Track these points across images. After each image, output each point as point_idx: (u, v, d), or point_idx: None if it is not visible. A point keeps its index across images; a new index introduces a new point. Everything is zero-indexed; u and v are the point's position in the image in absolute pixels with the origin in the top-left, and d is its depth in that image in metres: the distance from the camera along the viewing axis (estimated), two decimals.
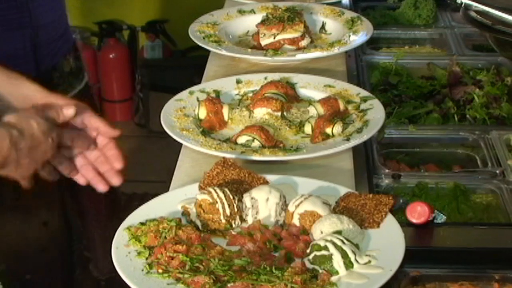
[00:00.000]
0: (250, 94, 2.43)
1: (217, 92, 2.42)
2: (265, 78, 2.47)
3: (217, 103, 2.29)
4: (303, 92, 2.44)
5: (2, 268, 2.47)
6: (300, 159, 2.08)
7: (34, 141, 1.79)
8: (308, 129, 2.20)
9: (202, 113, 2.27)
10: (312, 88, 2.44)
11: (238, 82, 2.48)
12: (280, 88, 2.36)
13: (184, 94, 2.37)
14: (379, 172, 2.28)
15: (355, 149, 2.18)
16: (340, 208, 1.85)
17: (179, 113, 2.27)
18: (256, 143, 2.12)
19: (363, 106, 2.30)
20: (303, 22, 2.75)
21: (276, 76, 2.48)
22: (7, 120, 1.78)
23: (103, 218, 2.74)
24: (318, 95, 2.39)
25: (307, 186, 1.93)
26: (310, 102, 2.35)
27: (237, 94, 2.45)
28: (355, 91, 2.39)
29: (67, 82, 2.42)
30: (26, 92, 1.92)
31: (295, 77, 2.48)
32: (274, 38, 2.71)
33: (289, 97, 2.36)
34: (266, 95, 2.33)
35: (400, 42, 3.30)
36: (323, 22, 2.94)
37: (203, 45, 2.73)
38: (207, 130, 2.22)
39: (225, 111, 2.27)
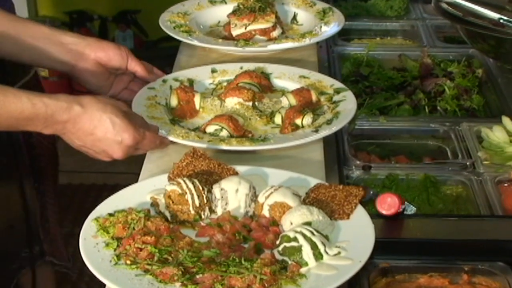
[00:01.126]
0: (225, 84, 2.42)
1: (191, 81, 2.40)
2: (241, 68, 2.46)
3: (189, 91, 2.27)
4: (278, 82, 2.43)
5: None
6: (266, 149, 2.07)
7: (99, 127, 1.88)
8: (278, 119, 2.19)
9: (174, 101, 2.26)
10: (286, 79, 2.44)
11: (213, 71, 2.47)
12: (254, 78, 2.35)
13: (157, 82, 2.35)
14: (349, 164, 2.28)
15: (325, 140, 2.17)
16: (310, 199, 1.84)
17: (150, 101, 2.25)
18: (224, 133, 2.11)
19: (335, 97, 2.29)
20: (274, 12, 2.74)
21: (251, 66, 2.47)
22: (82, 96, 1.88)
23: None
24: (292, 85, 2.38)
25: (277, 177, 1.93)
26: (283, 92, 2.35)
27: (211, 84, 2.43)
28: (329, 83, 2.39)
29: (20, 69, 2.39)
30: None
31: (270, 67, 2.47)
32: (245, 28, 2.69)
33: (262, 87, 2.35)
34: (239, 85, 2.32)
35: (371, 33, 3.30)
36: (294, 13, 2.93)
37: (173, 35, 2.71)
38: (178, 118, 2.21)
39: (197, 100, 2.26)
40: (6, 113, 1.79)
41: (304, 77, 2.44)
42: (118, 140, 1.88)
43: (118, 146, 1.90)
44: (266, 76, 2.43)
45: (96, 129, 1.86)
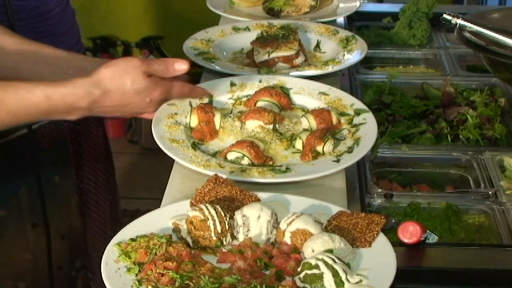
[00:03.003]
0: (244, 99, 2.43)
1: (211, 96, 2.40)
2: (260, 81, 2.47)
3: (209, 111, 2.27)
4: (297, 98, 2.43)
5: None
6: (288, 182, 2.07)
7: (124, 99, 1.89)
8: (299, 145, 2.20)
9: (194, 121, 2.26)
10: (306, 95, 2.44)
11: (232, 85, 2.48)
12: (274, 96, 2.36)
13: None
14: (371, 191, 2.28)
15: (347, 167, 2.17)
16: (331, 226, 1.85)
17: (170, 120, 2.25)
18: (245, 160, 2.11)
19: (356, 120, 2.29)
20: (297, 40, 2.76)
21: (270, 79, 2.48)
22: (99, 75, 1.88)
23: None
24: (312, 103, 2.39)
25: (299, 204, 1.93)
26: (303, 110, 2.35)
27: (230, 98, 2.44)
28: (349, 102, 2.39)
29: None
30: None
31: (290, 82, 2.48)
32: (269, 55, 2.71)
33: (282, 104, 2.36)
34: (258, 105, 2.33)
35: (394, 61, 3.31)
36: (317, 41, 2.95)
37: (196, 62, 2.73)
38: (197, 141, 2.22)
39: (217, 120, 2.27)
40: (23, 110, 1.79)
41: (324, 93, 2.44)
42: (147, 102, 1.97)
43: (149, 105, 1.98)
44: (286, 91, 2.43)
45: (123, 102, 1.91)
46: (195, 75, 2.97)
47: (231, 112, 2.37)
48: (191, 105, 2.31)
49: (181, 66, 2.02)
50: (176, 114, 2.29)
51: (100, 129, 2.79)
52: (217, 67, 2.69)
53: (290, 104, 2.41)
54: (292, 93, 2.45)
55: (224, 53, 2.87)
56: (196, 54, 2.78)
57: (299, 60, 2.74)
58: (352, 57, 2.78)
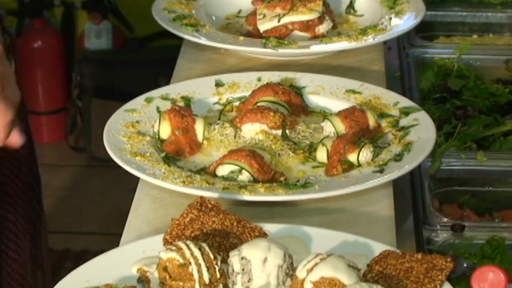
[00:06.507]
0: (236, 103, 2.44)
1: (187, 100, 2.42)
2: (259, 80, 2.48)
3: (187, 115, 2.28)
4: (314, 100, 2.45)
5: None
6: (311, 199, 2.08)
7: None
8: (321, 155, 2.21)
9: (165, 130, 2.26)
10: (327, 95, 2.45)
11: (218, 85, 2.49)
12: (281, 95, 2.36)
13: (138, 102, 2.37)
14: (432, 222, 2.29)
15: (396, 186, 2.18)
16: (373, 274, 1.85)
17: (130, 129, 2.27)
18: (244, 176, 2.12)
19: (403, 121, 2.30)
20: None
21: (274, 76, 2.49)
22: None
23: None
24: (336, 105, 2.40)
25: (325, 241, 1.94)
26: (324, 115, 2.36)
27: (216, 103, 2.45)
28: (391, 100, 2.40)
29: None
30: None
31: (303, 78, 2.49)
32: (279, 21, 2.72)
33: (293, 108, 2.36)
34: (259, 104, 2.34)
35: (465, 29, 3.32)
36: None
37: (172, 31, 2.74)
38: (172, 156, 2.22)
39: (199, 127, 2.27)
40: None
41: (353, 91, 2.45)
42: None
43: None
44: (298, 91, 2.44)
45: None
46: (171, 49, 2.99)
47: (219, 118, 2.38)
48: (159, 110, 2.32)
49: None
50: (138, 122, 2.30)
51: (22, 124, 2.80)
52: (202, 38, 2.70)
53: (304, 106, 2.42)
54: (307, 93, 2.45)
55: (213, 18, 2.89)
56: (172, 19, 2.79)
57: (324, 27, 2.75)
58: (403, 22, 2.79)
